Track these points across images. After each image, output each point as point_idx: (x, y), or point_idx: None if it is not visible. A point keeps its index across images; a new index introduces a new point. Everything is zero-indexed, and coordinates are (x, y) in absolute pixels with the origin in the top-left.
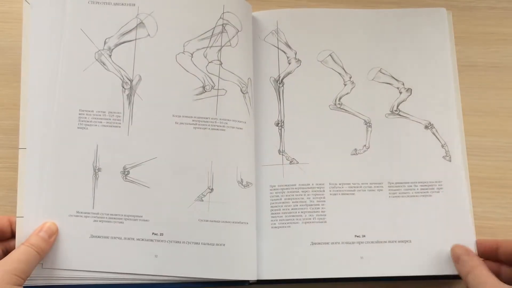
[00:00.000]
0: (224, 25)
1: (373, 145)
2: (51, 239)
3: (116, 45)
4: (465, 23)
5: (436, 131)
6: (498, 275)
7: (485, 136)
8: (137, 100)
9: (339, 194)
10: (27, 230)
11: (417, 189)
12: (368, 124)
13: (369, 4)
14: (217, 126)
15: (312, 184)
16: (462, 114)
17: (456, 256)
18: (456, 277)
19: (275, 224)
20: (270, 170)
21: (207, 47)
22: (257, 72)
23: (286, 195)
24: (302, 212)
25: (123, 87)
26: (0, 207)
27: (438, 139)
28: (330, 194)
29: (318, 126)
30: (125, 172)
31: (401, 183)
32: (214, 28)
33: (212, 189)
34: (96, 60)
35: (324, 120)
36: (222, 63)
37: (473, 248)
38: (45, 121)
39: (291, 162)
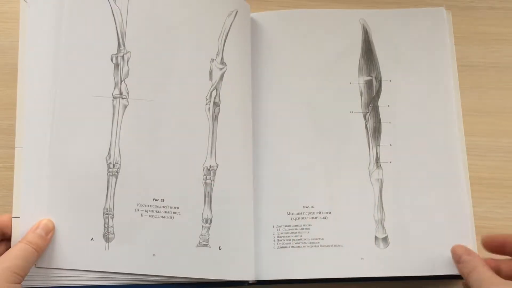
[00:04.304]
0: None
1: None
2: (48, 236)
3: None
4: (465, 23)
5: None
6: (498, 271)
7: (485, 136)
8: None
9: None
10: (23, 231)
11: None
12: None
13: (369, 4)
14: None
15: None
16: (462, 114)
17: (457, 256)
18: (455, 277)
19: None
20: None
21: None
22: None
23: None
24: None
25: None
26: (0, 207)
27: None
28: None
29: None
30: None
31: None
32: None
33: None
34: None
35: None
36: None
37: (472, 247)
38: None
39: None
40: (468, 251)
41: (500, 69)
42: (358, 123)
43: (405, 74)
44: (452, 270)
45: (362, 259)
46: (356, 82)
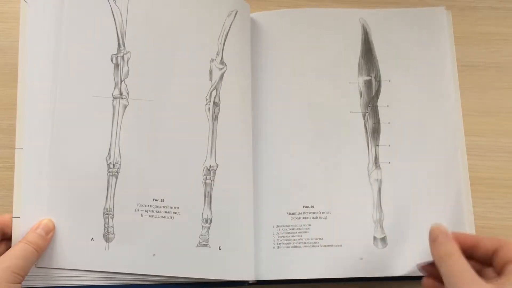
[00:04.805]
0: None
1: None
2: (48, 236)
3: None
4: (465, 23)
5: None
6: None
7: (485, 136)
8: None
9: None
10: (23, 231)
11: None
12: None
13: (369, 3)
14: None
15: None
16: (462, 114)
17: (434, 236)
18: None
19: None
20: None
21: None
22: None
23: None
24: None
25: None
26: (0, 207)
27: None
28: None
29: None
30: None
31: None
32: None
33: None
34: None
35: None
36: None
37: None
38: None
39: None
40: (446, 234)
41: (500, 69)
42: (357, 123)
43: (405, 74)
44: None
45: (361, 259)
46: (355, 82)
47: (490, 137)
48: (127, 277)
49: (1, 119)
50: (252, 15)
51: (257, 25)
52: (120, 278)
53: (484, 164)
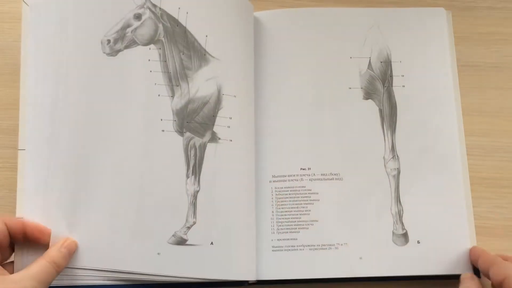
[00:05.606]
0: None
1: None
2: (70, 257)
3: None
4: (465, 23)
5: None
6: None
7: (485, 136)
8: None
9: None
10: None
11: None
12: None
13: (369, 3)
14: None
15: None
16: (462, 114)
17: (474, 257)
18: (453, 277)
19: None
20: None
21: None
22: None
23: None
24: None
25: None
26: (0, 207)
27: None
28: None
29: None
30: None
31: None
32: None
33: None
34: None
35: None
36: None
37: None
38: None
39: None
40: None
41: (500, 69)
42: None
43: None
44: (449, 270)
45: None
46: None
47: (490, 137)
48: (130, 276)
49: (1, 119)
50: (255, 14)
51: (259, 24)
52: (123, 278)
53: (484, 164)
